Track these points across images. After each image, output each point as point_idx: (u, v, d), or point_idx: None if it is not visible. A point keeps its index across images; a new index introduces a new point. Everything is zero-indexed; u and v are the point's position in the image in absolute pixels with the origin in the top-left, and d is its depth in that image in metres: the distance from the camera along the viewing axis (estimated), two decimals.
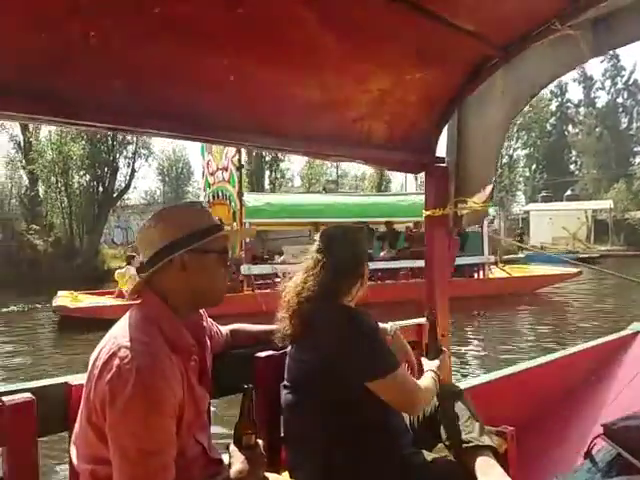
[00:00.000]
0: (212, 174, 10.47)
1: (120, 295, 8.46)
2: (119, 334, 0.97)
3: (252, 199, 9.73)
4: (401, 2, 1.18)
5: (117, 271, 8.90)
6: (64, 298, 8.81)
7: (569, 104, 41.68)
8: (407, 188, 24.26)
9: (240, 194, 9.26)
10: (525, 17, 1.40)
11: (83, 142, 16.75)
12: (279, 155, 21.51)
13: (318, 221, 9.99)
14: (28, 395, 1.08)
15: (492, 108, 1.67)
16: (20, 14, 0.84)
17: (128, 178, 18.43)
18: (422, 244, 2.05)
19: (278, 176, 23.56)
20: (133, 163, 18.68)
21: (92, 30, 0.88)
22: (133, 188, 20.19)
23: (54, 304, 8.47)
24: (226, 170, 9.81)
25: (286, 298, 1.35)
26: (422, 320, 1.88)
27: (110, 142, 17.26)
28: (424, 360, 1.55)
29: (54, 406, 1.12)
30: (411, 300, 7.57)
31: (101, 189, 17.34)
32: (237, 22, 1.05)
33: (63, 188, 16.87)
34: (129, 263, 8.41)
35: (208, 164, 10.55)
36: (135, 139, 18.04)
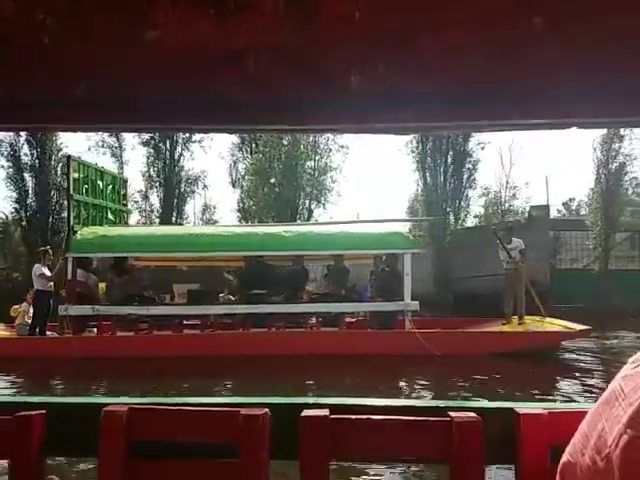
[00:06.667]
0: None
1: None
2: None
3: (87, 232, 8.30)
4: None
5: (14, 306, 8.48)
6: None
7: None
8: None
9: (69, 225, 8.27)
10: None
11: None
12: None
13: (173, 256, 8.78)
14: (473, 415, 1.06)
15: None
16: None
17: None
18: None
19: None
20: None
21: None
22: None
23: None
24: None
25: None
26: None
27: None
28: None
29: (499, 432, 1.07)
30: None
31: None
32: None
33: None
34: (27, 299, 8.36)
35: None
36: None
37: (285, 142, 17.78)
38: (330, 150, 18.71)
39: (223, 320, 8.13)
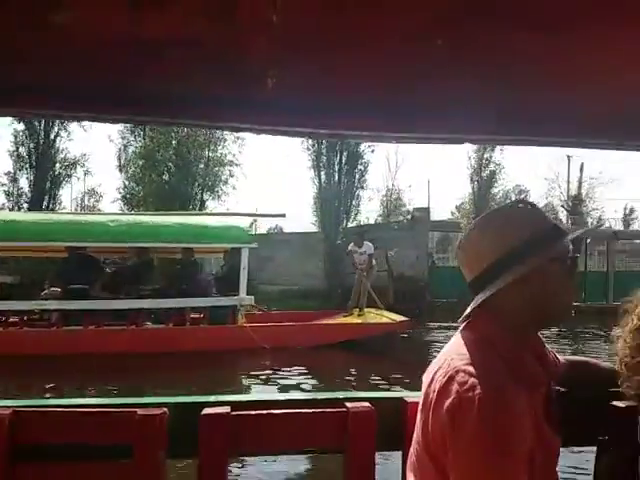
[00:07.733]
0: None
1: None
2: (454, 355, 0.83)
3: None
4: None
5: None
6: None
7: None
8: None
9: None
10: None
11: None
12: None
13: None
14: (367, 405, 1.11)
15: None
16: None
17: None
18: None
19: None
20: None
21: None
22: None
23: None
24: None
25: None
26: None
27: None
28: None
29: (389, 420, 1.12)
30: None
31: None
32: None
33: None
34: None
35: None
36: None
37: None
38: (225, 140, 18.19)
39: (44, 316, 7.22)
